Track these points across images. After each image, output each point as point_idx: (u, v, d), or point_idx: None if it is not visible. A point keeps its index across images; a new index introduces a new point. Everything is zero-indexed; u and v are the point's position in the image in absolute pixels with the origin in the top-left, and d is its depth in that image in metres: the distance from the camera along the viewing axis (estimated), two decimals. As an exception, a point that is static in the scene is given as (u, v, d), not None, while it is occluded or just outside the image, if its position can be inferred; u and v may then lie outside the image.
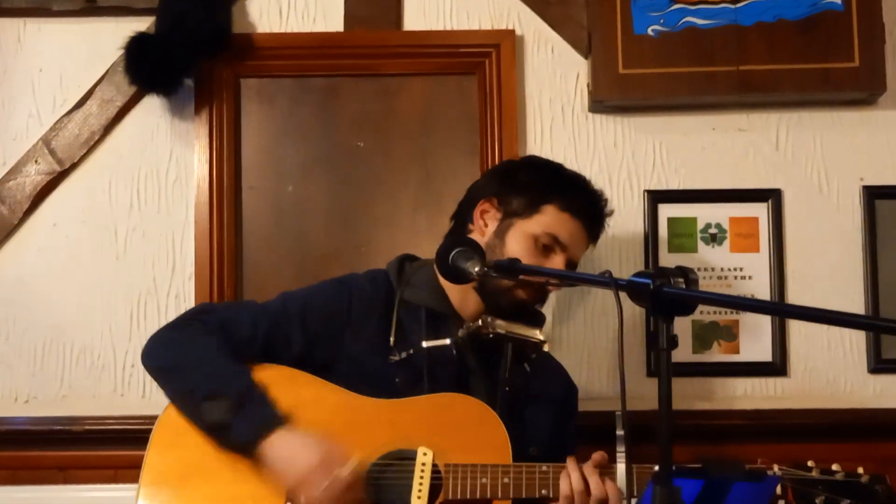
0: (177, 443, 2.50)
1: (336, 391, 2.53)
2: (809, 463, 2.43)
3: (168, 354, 2.56)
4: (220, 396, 2.41)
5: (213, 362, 2.49)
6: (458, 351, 2.57)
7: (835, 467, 2.42)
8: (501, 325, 2.46)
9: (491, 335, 2.45)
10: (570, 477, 2.38)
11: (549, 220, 2.63)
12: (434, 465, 2.42)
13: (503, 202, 2.69)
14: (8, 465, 3.24)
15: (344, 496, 2.34)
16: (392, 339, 2.58)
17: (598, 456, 2.44)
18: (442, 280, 2.61)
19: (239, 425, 2.39)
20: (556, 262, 2.60)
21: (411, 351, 2.55)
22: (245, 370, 2.50)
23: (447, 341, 2.53)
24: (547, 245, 2.61)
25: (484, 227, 2.69)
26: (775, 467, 2.43)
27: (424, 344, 2.54)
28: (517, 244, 2.62)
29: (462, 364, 2.60)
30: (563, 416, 2.75)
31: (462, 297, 2.66)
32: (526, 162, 2.87)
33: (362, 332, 2.61)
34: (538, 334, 2.49)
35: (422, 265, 2.72)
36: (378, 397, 2.53)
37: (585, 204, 2.69)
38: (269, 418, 2.40)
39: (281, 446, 2.37)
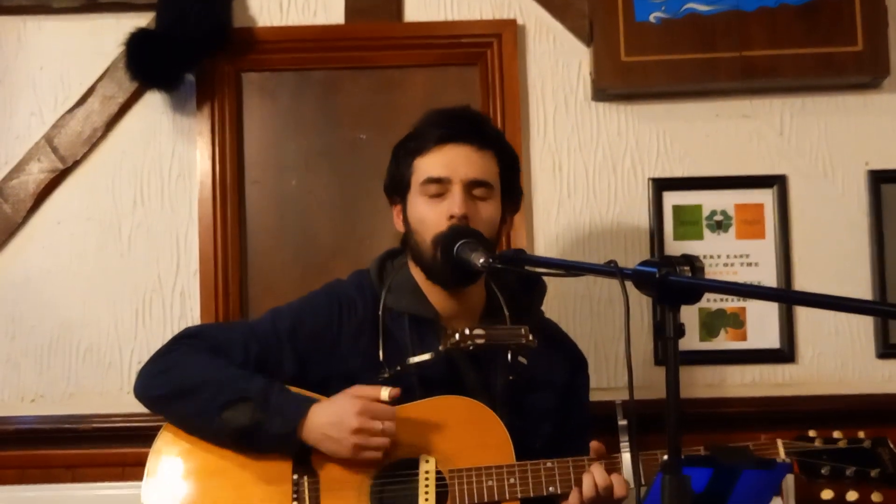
0: (171, 478, 2.45)
1: None
2: (811, 433, 2.45)
3: (166, 380, 2.48)
4: (241, 401, 2.38)
5: (217, 374, 2.44)
6: (446, 360, 2.50)
7: (836, 434, 2.43)
8: (481, 335, 2.37)
9: (472, 347, 2.37)
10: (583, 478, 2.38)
11: (421, 171, 2.55)
12: (438, 472, 2.40)
13: (393, 198, 2.66)
14: (16, 464, 3.25)
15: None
16: (381, 355, 2.53)
17: (595, 445, 2.43)
18: (421, 280, 2.59)
19: (272, 420, 2.37)
20: (455, 194, 2.48)
21: (398, 368, 2.48)
22: (250, 372, 2.47)
23: (428, 356, 2.45)
24: (433, 193, 2.52)
25: (400, 225, 2.64)
26: (779, 441, 2.44)
27: (411, 360, 2.47)
28: (415, 212, 2.55)
29: (453, 372, 2.55)
30: (568, 396, 2.70)
31: (443, 298, 2.58)
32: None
33: (354, 348, 2.56)
34: (522, 333, 2.41)
35: (402, 265, 2.65)
36: None
37: (436, 128, 2.57)
38: (299, 402, 2.39)
39: (325, 421, 2.37)
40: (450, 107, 2.66)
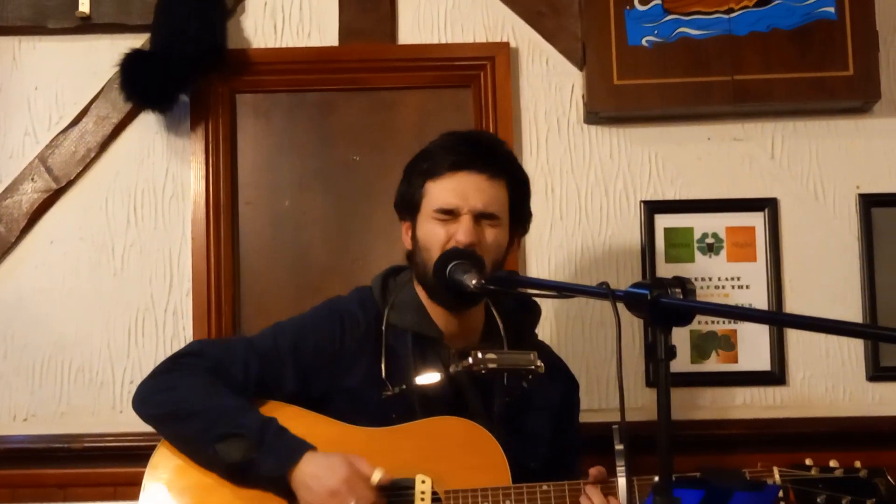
0: (167, 493, 2.45)
1: (327, 423, 2.49)
2: (808, 461, 2.45)
3: (165, 400, 2.48)
4: (236, 436, 2.37)
5: (216, 402, 2.44)
6: (451, 384, 2.50)
7: (832, 463, 2.43)
8: (493, 359, 2.35)
9: (483, 371, 2.35)
10: None
11: (432, 197, 2.54)
12: (434, 493, 2.39)
13: (403, 215, 2.65)
14: (8, 484, 3.24)
15: None
16: (384, 372, 2.52)
17: (595, 471, 2.43)
18: (424, 299, 2.59)
19: (265, 461, 2.36)
20: (463, 223, 2.47)
21: (404, 387, 2.48)
22: (249, 404, 2.46)
23: (437, 377, 2.46)
24: (443, 219, 2.51)
25: (408, 242, 2.63)
26: (775, 469, 2.44)
27: (418, 381, 2.47)
28: (423, 234, 2.54)
29: (456, 393, 2.54)
30: (562, 418, 2.70)
31: (446, 317, 2.58)
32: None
33: (356, 364, 2.56)
34: (532, 359, 2.39)
35: (405, 282, 2.65)
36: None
37: (451, 154, 2.55)
38: (293, 447, 2.38)
39: (310, 471, 2.35)
40: (465, 131, 2.66)
